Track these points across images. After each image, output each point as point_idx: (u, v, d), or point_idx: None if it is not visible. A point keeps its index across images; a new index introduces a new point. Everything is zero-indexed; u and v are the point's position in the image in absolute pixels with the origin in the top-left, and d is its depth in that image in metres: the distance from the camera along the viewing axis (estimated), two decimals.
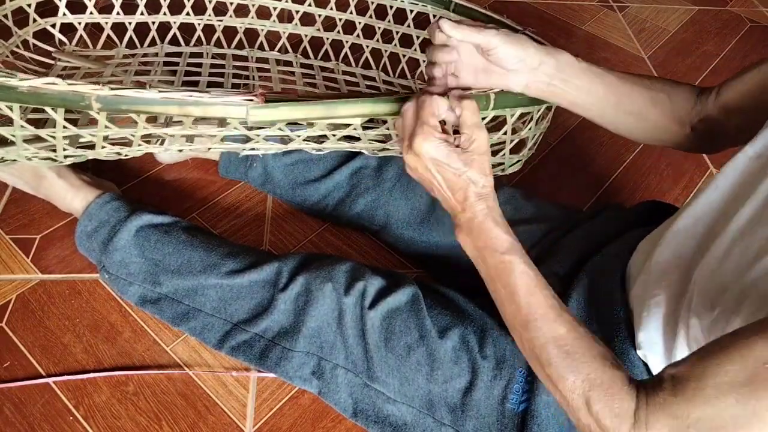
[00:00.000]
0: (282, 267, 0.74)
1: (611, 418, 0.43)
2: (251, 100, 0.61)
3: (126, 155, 0.73)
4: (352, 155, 0.90)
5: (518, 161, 0.90)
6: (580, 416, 0.45)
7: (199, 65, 1.06)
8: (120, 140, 0.72)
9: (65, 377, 0.75)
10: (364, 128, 0.72)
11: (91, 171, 0.91)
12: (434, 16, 1.05)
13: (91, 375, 0.76)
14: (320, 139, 0.76)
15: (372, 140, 0.77)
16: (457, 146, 0.55)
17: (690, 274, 0.54)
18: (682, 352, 0.53)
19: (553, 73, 0.64)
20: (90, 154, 0.71)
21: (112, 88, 0.57)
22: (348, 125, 0.70)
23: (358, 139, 0.76)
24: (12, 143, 0.66)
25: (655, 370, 0.57)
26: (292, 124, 0.70)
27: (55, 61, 0.99)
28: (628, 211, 0.78)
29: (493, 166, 0.89)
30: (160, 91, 0.59)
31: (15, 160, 0.71)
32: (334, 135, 0.73)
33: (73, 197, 0.84)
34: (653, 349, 0.57)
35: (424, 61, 1.10)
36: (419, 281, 0.75)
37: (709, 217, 0.56)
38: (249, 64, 1.09)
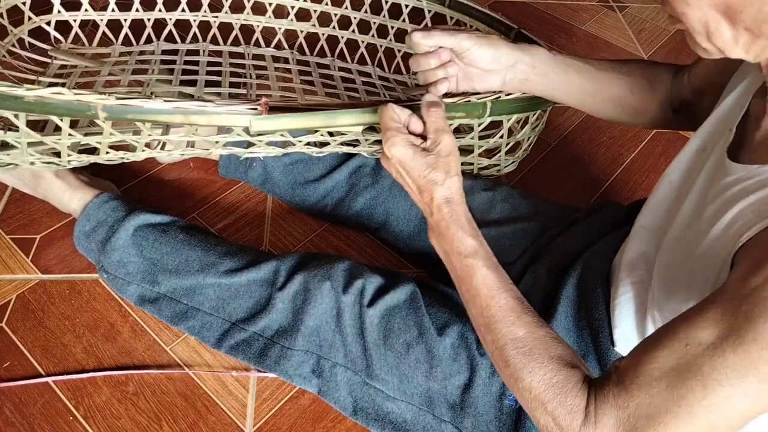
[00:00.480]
0: (280, 266, 0.74)
1: (565, 415, 0.45)
2: (255, 109, 0.62)
3: (128, 159, 0.73)
4: (350, 155, 0.90)
5: (513, 162, 0.91)
6: (538, 416, 0.47)
7: (196, 63, 1.06)
8: (123, 145, 0.72)
9: (65, 377, 0.75)
10: (364, 131, 0.72)
11: (89, 171, 0.91)
12: (429, 11, 1.06)
13: (91, 375, 0.76)
14: (321, 144, 0.76)
15: (371, 144, 0.77)
16: (424, 149, 0.57)
17: (653, 268, 0.56)
18: None
19: (528, 69, 0.67)
20: (93, 159, 0.71)
21: (118, 98, 0.58)
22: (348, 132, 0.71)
23: (358, 142, 0.76)
24: (16, 148, 0.67)
25: None
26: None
27: (52, 59, 0.98)
28: (624, 210, 0.78)
29: (489, 167, 0.90)
30: (165, 101, 0.59)
31: (18, 165, 0.71)
32: (334, 140, 0.73)
33: (71, 197, 0.85)
34: (628, 346, 0.58)
35: None
36: (418, 280, 0.75)
37: (664, 211, 0.59)
38: (246, 62, 1.09)
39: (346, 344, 0.70)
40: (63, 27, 1.02)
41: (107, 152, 0.69)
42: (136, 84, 0.96)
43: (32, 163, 0.70)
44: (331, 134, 0.73)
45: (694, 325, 0.41)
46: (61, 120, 0.61)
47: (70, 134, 0.63)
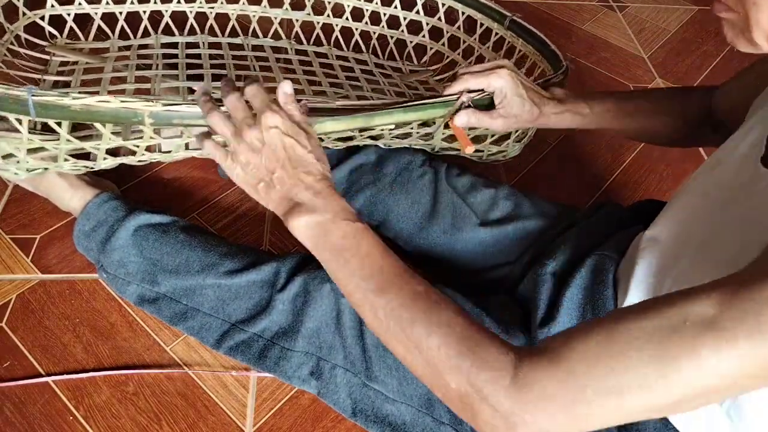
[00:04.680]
0: (280, 267, 0.74)
1: (484, 370, 0.40)
2: (304, 104, 0.62)
3: (155, 160, 0.74)
4: (351, 152, 0.90)
5: (519, 147, 0.93)
6: (449, 379, 0.41)
7: (198, 56, 1.05)
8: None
9: (65, 377, 0.76)
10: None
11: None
12: None
13: (91, 374, 0.76)
14: (347, 139, 0.77)
15: (394, 137, 0.79)
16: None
17: (665, 279, 0.55)
18: None
19: (546, 122, 0.74)
20: (125, 161, 0.72)
21: (164, 104, 0.58)
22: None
23: (382, 136, 0.77)
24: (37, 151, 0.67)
25: None
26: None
27: (51, 56, 0.97)
28: (624, 210, 0.78)
29: (497, 153, 0.92)
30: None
31: (47, 169, 0.71)
32: (361, 135, 0.75)
33: (72, 196, 0.85)
34: None
35: (411, 42, 1.18)
36: None
37: (681, 224, 0.58)
38: (246, 53, 1.09)
39: (346, 346, 0.70)
40: (57, 22, 1.00)
41: (143, 154, 0.69)
42: (142, 80, 0.95)
43: (64, 169, 0.71)
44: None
45: (698, 301, 0.37)
46: (104, 126, 0.62)
47: (111, 139, 0.64)
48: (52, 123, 0.60)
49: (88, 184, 0.86)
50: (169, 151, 0.71)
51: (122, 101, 0.57)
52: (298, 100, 0.59)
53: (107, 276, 0.80)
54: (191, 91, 0.93)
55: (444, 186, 0.86)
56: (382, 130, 0.73)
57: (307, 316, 0.71)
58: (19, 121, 0.60)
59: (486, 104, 0.71)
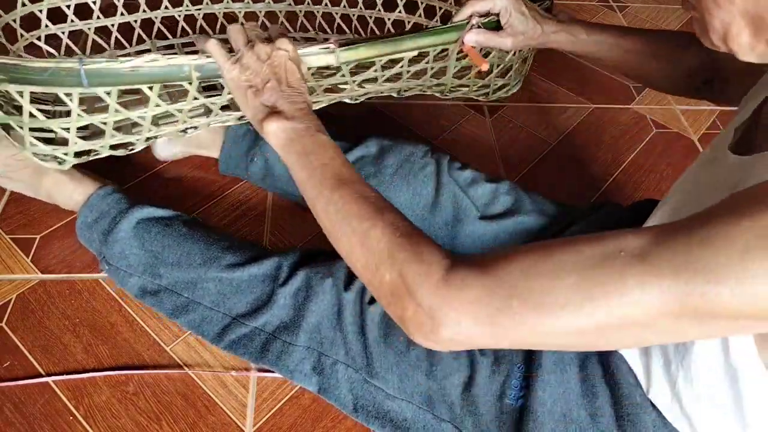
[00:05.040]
0: (282, 262, 0.74)
1: (417, 264, 0.41)
2: (327, 48, 0.66)
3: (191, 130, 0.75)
4: (352, 145, 0.90)
5: (520, 80, 0.98)
6: (384, 271, 0.43)
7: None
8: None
9: (65, 377, 0.75)
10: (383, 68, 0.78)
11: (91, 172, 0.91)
12: None
13: (91, 375, 0.76)
14: (371, 81, 0.80)
15: (411, 77, 0.82)
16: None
17: None
18: (657, 359, 0.53)
19: (546, 41, 0.77)
20: (164, 132, 0.73)
21: (207, 56, 0.61)
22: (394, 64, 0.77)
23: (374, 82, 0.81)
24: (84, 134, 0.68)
25: (638, 373, 0.57)
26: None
27: None
28: (624, 210, 0.78)
29: (500, 87, 0.97)
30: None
31: (97, 153, 0.72)
32: (383, 76, 0.79)
33: (74, 189, 0.85)
34: (633, 350, 0.57)
35: (389, 19, 1.25)
36: None
37: (675, 218, 0.57)
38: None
39: (347, 342, 0.70)
40: (52, 40, 1.01)
41: (185, 121, 0.71)
42: None
43: (112, 147, 0.72)
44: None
45: (637, 236, 0.38)
46: (150, 89, 0.62)
47: (157, 104, 0.64)
48: (101, 92, 0.61)
49: (90, 178, 0.86)
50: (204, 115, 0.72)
51: (169, 58, 0.59)
52: (326, 39, 0.68)
53: (109, 268, 0.80)
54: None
55: (446, 178, 0.86)
56: (402, 67, 0.77)
57: (309, 311, 0.71)
58: (69, 97, 0.61)
59: (494, 26, 0.75)
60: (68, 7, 1.00)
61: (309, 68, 0.67)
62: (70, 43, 1.02)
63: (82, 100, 0.64)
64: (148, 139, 0.73)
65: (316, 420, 0.75)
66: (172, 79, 0.61)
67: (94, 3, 1.02)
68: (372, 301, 0.69)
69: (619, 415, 0.56)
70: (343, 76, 0.75)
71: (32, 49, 0.99)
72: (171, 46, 1.10)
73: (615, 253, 0.38)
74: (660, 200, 0.79)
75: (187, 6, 1.12)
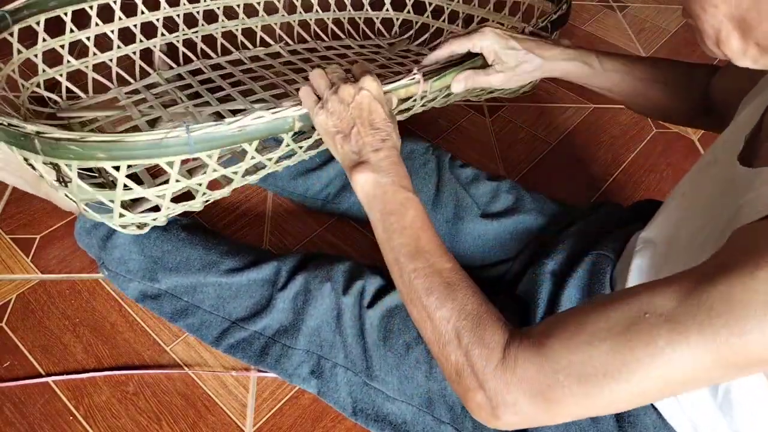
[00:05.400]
0: (281, 266, 0.74)
1: (480, 348, 0.42)
2: (412, 79, 0.66)
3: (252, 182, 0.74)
4: None
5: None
6: (450, 351, 0.44)
7: (209, 80, 1.04)
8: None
9: (65, 377, 0.75)
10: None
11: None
12: None
13: (91, 375, 0.76)
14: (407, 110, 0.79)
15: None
16: None
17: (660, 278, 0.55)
18: None
19: (554, 68, 0.72)
20: (249, 180, 0.72)
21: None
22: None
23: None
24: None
25: None
26: None
27: (67, 120, 0.93)
28: (624, 210, 0.78)
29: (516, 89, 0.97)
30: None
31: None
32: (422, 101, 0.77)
33: None
34: None
35: (377, 18, 1.29)
36: None
37: (674, 223, 0.58)
38: (250, 65, 1.10)
39: (347, 345, 0.70)
40: (51, 83, 0.96)
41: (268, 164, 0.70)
42: (175, 116, 0.93)
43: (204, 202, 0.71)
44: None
45: (660, 294, 0.39)
46: (249, 144, 0.61)
47: (253, 157, 0.63)
48: (204, 156, 0.59)
49: None
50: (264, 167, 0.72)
51: (273, 112, 0.58)
52: (408, 70, 0.67)
53: (108, 273, 0.80)
54: (234, 112, 0.92)
55: (448, 175, 0.86)
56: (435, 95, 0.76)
57: (308, 315, 0.71)
58: (170, 164, 0.60)
59: (479, 65, 0.72)
60: (62, 47, 0.95)
61: (399, 99, 0.66)
62: (71, 86, 0.97)
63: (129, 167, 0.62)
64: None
65: (315, 420, 0.75)
66: (275, 132, 0.60)
67: (89, 39, 0.97)
68: (371, 304, 0.69)
69: (620, 416, 0.56)
70: (414, 102, 0.73)
71: (34, 98, 0.95)
72: (179, 76, 1.06)
73: (641, 315, 0.38)
74: (660, 200, 0.79)
75: (184, 31, 1.08)
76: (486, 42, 0.68)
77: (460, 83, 0.71)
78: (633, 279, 0.59)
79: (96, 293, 0.85)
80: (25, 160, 0.62)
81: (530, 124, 1.24)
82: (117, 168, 0.59)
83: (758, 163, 0.48)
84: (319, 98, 0.60)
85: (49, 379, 0.75)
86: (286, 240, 0.96)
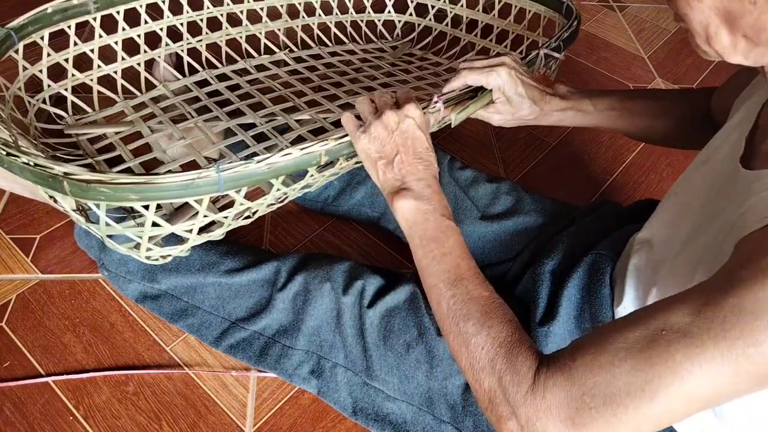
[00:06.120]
0: (280, 266, 0.74)
1: (512, 375, 0.43)
2: (435, 106, 0.66)
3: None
4: None
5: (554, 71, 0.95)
6: (483, 377, 0.45)
7: (216, 92, 1.02)
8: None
9: (65, 377, 0.75)
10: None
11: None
12: None
13: (91, 374, 0.76)
14: None
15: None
16: None
17: (658, 278, 0.56)
18: None
19: (548, 120, 0.74)
20: (271, 209, 0.72)
21: (335, 139, 0.60)
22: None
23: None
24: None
25: None
26: None
27: (76, 137, 0.91)
28: (623, 209, 0.78)
29: None
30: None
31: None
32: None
33: None
34: None
35: (379, 20, 1.28)
36: (417, 279, 0.75)
37: (671, 224, 0.58)
38: (256, 75, 1.08)
39: (347, 345, 0.70)
40: (55, 98, 0.94)
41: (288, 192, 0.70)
42: (185, 131, 0.91)
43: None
44: None
45: (675, 311, 0.40)
46: (277, 179, 0.62)
47: (278, 189, 0.64)
48: (232, 193, 0.60)
49: None
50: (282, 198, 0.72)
51: (302, 148, 0.58)
52: (429, 96, 0.67)
53: (108, 274, 0.80)
54: (243, 127, 0.91)
55: (447, 178, 0.86)
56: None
57: (308, 315, 0.71)
58: (198, 202, 0.60)
59: (487, 100, 0.72)
60: (66, 60, 0.93)
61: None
62: (76, 100, 0.95)
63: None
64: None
65: (315, 420, 0.75)
66: (303, 167, 0.60)
67: (92, 51, 0.95)
68: (370, 304, 0.69)
69: None
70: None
71: (40, 114, 0.94)
72: (185, 89, 1.03)
73: (658, 333, 0.39)
74: (658, 200, 0.79)
75: (188, 40, 1.06)
76: (500, 82, 0.69)
77: (462, 119, 0.72)
78: (631, 279, 0.60)
79: (96, 293, 0.85)
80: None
81: None
82: (146, 206, 0.59)
83: (757, 164, 0.48)
84: (360, 121, 0.60)
85: (49, 379, 0.75)
86: (286, 240, 0.96)
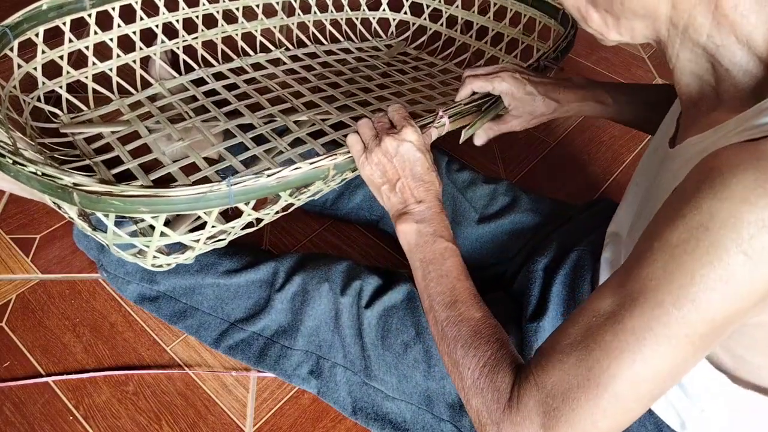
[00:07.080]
0: (278, 267, 0.74)
1: (492, 392, 0.44)
2: (441, 121, 0.66)
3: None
4: None
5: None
6: (470, 397, 0.46)
7: (213, 92, 1.02)
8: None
9: (65, 377, 0.76)
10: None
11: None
12: None
13: (91, 375, 0.76)
14: None
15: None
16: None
17: None
18: None
19: (567, 111, 0.73)
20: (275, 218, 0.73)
21: (342, 154, 0.61)
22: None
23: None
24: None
25: None
26: None
27: (72, 136, 0.90)
28: (617, 206, 0.78)
29: None
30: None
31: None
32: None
33: None
34: None
35: (374, 18, 1.28)
36: None
37: (632, 214, 0.59)
38: (252, 74, 1.07)
39: (345, 345, 0.70)
40: (51, 99, 0.95)
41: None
42: (183, 131, 0.90)
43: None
44: None
45: (600, 295, 0.41)
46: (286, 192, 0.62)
47: (285, 200, 0.65)
48: (241, 205, 0.60)
49: None
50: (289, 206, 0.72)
51: (311, 162, 0.59)
52: (434, 110, 0.67)
53: (107, 275, 0.80)
54: (242, 128, 0.90)
55: (444, 180, 0.86)
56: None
57: (306, 315, 0.71)
58: (208, 213, 0.60)
59: (501, 109, 0.72)
60: (61, 57, 0.92)
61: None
62: (71, 98, 0.93)
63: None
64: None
65: (315, 420, 0.75)
66: (311, 180, 0.60)
67: (87, 48, 0.94)
68: (368, 304, 0.69)
69: None
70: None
71: (35, 114, 0.91)
72: (182, 87, 1.02)
73: (591, 321, 0.41)
74: None
75: (184, 37, 1.05)
76: (505, 86, 0.69)
77: (482, 138, 0.73)
78: (603, 273, 0.60)
79: (96, 293, 0.85)
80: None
81: None
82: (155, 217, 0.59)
83: (678, 143, 0.49)
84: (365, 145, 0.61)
85: (49, 379, 0.75)
86: (286, 240, 0.96)
